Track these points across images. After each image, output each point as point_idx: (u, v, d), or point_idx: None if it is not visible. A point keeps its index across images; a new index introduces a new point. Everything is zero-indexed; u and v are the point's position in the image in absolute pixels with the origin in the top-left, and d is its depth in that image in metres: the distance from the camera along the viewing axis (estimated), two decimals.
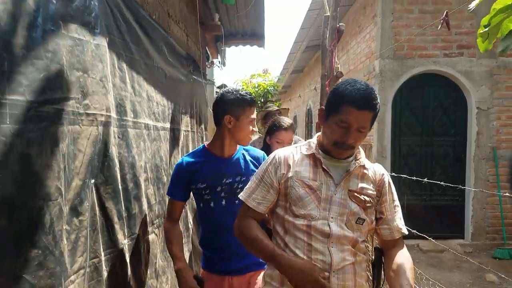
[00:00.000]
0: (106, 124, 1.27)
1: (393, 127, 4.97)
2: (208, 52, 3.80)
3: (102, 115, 1.24)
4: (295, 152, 1.28)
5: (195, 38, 2.93)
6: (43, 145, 0.93)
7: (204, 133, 3.25)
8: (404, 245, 1.29)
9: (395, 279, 1.17)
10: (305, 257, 1.16)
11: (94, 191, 1.21)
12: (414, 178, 2.96)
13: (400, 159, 5.10)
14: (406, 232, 1.28)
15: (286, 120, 2.14)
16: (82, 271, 1.12)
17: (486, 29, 1.49)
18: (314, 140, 1.29)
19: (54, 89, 0.98)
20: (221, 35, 3.45)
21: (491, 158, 4.95)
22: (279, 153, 1.28)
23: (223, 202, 1.58)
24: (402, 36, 4.78)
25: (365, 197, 1.21)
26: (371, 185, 1.25)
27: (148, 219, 1.70)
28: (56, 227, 0.97)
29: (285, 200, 1.23)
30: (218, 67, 4.35)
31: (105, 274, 1.26)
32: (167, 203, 1.71)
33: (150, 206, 1.74)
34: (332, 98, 1.20)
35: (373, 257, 1.35)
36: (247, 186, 1.30)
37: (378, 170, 1.29)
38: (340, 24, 2.27)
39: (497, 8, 1.38)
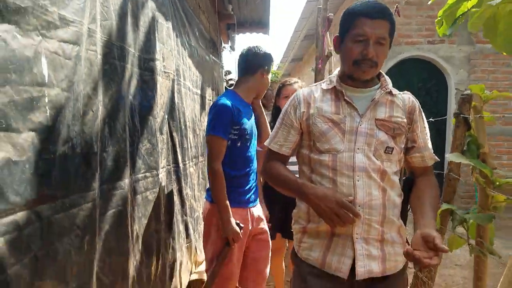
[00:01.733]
0: (173, 81, 1.93)
1: None
2: (221, 38, 4.45)
3: (171, 73, 1.90)
4: (315, 90, 1.25)
5: (214, 25, 3.58)
6: (151, 84, 1.59)
7: None
8: (433, 173, 1.26)
9: (419, 207, 1.14)
10: None
11: (167, 123, 1.87)
12: None
13: None
14: (438, 159, 1.24)
15: (291, 79, 2.37)
16: (164, 169, 1.78)
17: (439, 18, 2.13)
18: (334, 74, 1.25)
19: (153, 52, 1.64)
20: (233, 23, 4.10)
21: None
22: (298, 92, 1.27)
23: (252, 141, 1.85)
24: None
25: (394, 125, 1.16)
26: (401, 112, 1.19)
27: (189, 155, 2.37)
28: (156, 134, 1.63)
29: (309, 138, 1.21)
30: (229, 51, 5.01)
31: (172, 178, 1.93)
32: (209, 145, 1.73)
33: (190, 147, 2.41)
34: (344, 19, 1.16)
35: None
36: (271, 133, 1.32)
37: (407, 97, 1.23)
38: (329, 14, 2.91)
39: (450, 3, 2.01)
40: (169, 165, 1.88)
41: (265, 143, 1.32)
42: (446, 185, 1.67)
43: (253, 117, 1.89)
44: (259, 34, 4.72)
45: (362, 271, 1.12)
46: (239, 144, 1.75)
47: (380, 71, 1.22)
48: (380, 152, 1.14)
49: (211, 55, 3.39)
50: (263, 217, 1.95)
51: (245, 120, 1.75)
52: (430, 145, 1.24)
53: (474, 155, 1.48)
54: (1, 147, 0.72)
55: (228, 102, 1.71)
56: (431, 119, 5.86)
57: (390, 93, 1.20)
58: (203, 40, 2.93)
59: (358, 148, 1.14)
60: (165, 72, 1.81)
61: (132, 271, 1.36)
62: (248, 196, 1.84)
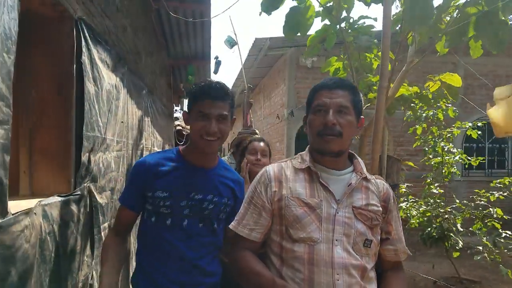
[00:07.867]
0: (149, 150, 3.25)
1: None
2: (173, 103, 5.94)
3: (149, 146, 3.23)
4: (286, 167, 1.14)
5: (169, 101, 5.06)
6: (140, 157, 2.90)
7: None
8: (403, 268, 1.20)
9: None
10: None
11: None
12: None
13: None
14: (410, 254, 1.19)
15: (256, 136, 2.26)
16: None
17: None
18: (306, 152, 1.16)
19: (140, 139, 2.96)
20: (183, 95, 5.66)
21: None
22: (269, 169, 1.15)
23: (185, 223, 1.25)
24: (301, 93, 7.26)
25: (371, 214, 1.07)
26: (376, 200, 1.11)
27: None
28: None
29: (280, 222, 1.08)
30: (179, 112, 6.52)
31: None
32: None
33: None
34: (308, 96, 1.16)
35: None
36: (238, 213, 1.15)
37: (381, 183, 1.15)
38: (250, 100, 4.46)
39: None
40: None
41: (231, 226, 1.15)
42: None
43: (212, 187, 1.31)
44: None
45: None
46: (152, 219, 1.28)
47: (353, 153, 1.17)
48: (359, 246, 1.05)
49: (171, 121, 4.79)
50: None
51: (165, 185, 1.26)
52: (403, 237, 1.18)
53: None
54: None
55: (145, 160, 1.31)
56: None
57: (365, 178, 1.12)
58: (162, 113, 4.34)
59: (336, 240, 1.03)
60: (146, 147, 3.13)
61: None
62: None
